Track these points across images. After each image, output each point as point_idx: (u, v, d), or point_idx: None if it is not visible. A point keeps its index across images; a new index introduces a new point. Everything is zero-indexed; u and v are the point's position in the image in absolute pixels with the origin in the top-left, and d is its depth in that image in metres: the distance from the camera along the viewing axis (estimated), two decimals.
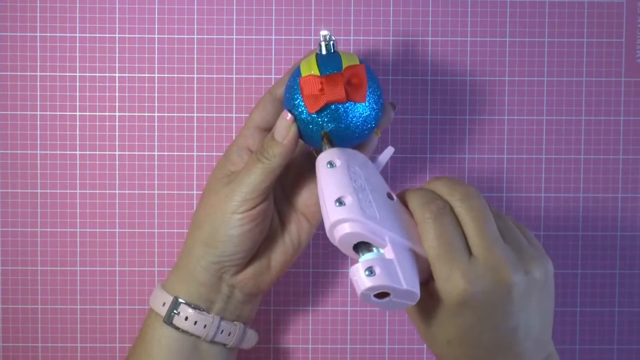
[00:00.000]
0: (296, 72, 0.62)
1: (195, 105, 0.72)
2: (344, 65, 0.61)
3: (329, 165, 0.58)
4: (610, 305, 0.74)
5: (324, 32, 0.62)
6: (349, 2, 0.72)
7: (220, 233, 0.62)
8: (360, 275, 0.53)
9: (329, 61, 0.61)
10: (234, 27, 0.72)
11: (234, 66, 0.72)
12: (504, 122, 0.73)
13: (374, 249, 0.55)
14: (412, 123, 0.73)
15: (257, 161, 0.61)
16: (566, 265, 0.73)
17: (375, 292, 0.53)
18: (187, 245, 0.65)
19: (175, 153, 0.72)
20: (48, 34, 0.72)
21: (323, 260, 0.73)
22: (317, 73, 0.60)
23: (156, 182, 0.73)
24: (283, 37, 0.72)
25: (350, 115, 0.60)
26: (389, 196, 0.58)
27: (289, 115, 0.61)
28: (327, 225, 0.56)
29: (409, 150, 0.73)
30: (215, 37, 0.72)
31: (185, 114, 0.72)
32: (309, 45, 0.72)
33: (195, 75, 0.72)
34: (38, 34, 0.72)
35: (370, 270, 0.53)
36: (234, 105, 0.72)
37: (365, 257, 0.54)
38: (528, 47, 0.72)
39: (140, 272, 0.73)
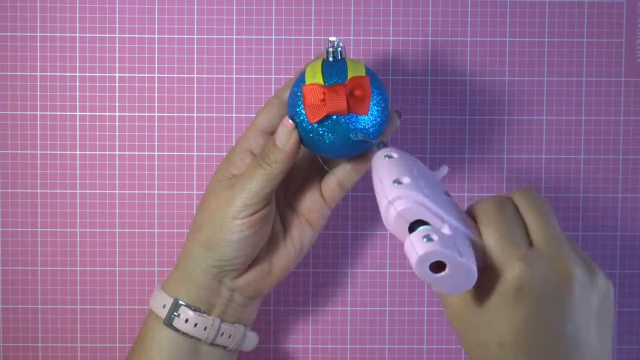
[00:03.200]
0: (300, 78, 0.61)
1: (195, 105, 0.72)
2: (349, 75, 0.60)
3: (387, 157, 0.57)
4: None
5: (332, 39, 0.61)
6: (349, 2, 0.72)
7: (219, 237, 0.62)
8: (418, 242, 0.51)
9: (334, 69, 0.60)
10: (234, 27, 0.72)
11: (234, 66, 0.72)
12: (504, 122, 0.73)
13: (431, 226, 0.53)
14: (412, 123, 0.73)
15: (259, 167, 0.61)
16: None
17: (432, 261, 0.51)
18: (186, 247, 0.64)
19: (175, 153, 0.72)
20: (48, 34, 0.72)
21: (323, 260, 0.73)
22: (321, 81, 0.60)
23: (156, 182, 0.73)
24: (283, 37, 0.72)
25: (352, 127, 0.60)
26: (446, 193, 0.57)
27: (290, 121, 0.60)
28: (382, 209, 0.54)
29: (409, 150, 0.73)
30: (215, 37, 0.72)
31: (185, 114, 0.72)
32: (309, 45, 0.72)
33: (195, 75, 0.72)
34: (38, 34, 0.72)
35: (428, 238, 0.51)
36: (234, 105, 0.72)
37: (424, 227, 0.52)
38: (528, 47, 0.72)
39: (140, 272, 0.73)
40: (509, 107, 0.73)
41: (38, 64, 0.72)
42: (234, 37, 0.72)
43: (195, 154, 0.72)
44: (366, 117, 0.60)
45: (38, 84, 0.72)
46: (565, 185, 0.73)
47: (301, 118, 0.60)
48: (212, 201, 0.63)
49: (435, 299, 0.73)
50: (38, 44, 0.72)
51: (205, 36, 0.72)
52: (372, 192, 0.73)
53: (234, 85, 0.72)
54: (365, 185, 0.73)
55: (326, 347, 0.74)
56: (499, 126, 0.73)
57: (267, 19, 0.72)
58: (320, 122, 0.59)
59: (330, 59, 0.61)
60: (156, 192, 0.73)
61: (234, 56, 0.72)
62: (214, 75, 0.72)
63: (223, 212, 0.61)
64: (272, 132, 0.64)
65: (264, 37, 0.72)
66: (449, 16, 0.72)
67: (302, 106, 0.60)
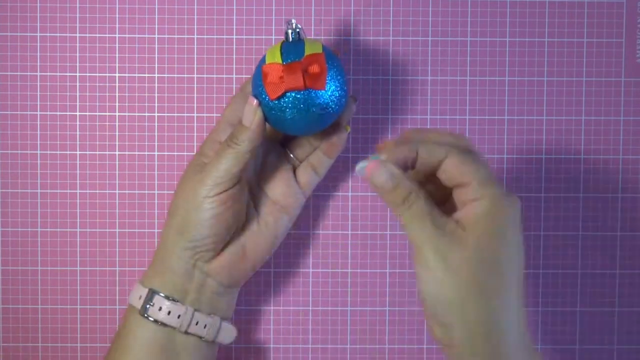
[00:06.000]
0: (262, 60, 0.64)
1: (195, 105, 0.72)
2: (306, 53, 0.63)
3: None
4: (610, 305, 0.74)
5: (291, 21, 0.64)
6: (349, 2, 0.72)
7: (192, 217, 0.63)
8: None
9: (292, 49, 0.63)
10: (234, 27, 0.72)
11: (234, 66, 0.72)
12: (504, 122, 0.73)
13: None
14: (413, 123, 0.73)
15: (227, 147, 0.63)
16: (566, 265, 0.73)
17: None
18: (162, 237, 0.66)
19: (175, 153, 0.72)
20: (48, 34, 0.72)
21: (323, 260, 0.73)
22: (280, 60, 0.62)
23: (156, 182, 0.73)
24: (283, 37, 0.72)
25: (310, 103, 0.62)
26: None
27: (255, 100, 0.63)
28: None
29: None
30: (215, 37, 0.72)
31: (185, 114, 0.72)
32: None
33: (195, 75, 0.72)
34: (38, 34, 0.72)
35: None
36: None
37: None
38: (528, 47, 0.72)
39: (140, 272, 0.73)
40: (509, 107, 0.73)
41: (38, 64, 0.72)
42: (234, 37, 0.72)
43: (195, 154, 0.72)
44: (324, 91, 0.62)
45: (38, 84, 0.72)
46: (565, 185, 0.73)
47: (263, 96, 0.63)
48: (183, 186, 0.65)
49: None
50: (38, 44, 0.72)
51: (205, 36, 0.72)
52: (371, 192, 0.73)
53: (233, 85, 0.72)
54: (365, 185, 0.73)
55: (326, 347, 0.74)
56: (499, 126, 0.73)
57: (267, 19, 0.72)
58: (280, 98, 0.62)
59: (290, 39, 0.64)
60: (156, 192, 0.73)
61: (234, 56, 0.72)
62: (214, 75, 0.72)
63: (195, 193, 0.64)
64: (239, 124, 0.66)
65: (263, 37, 0.72)
66: (449, 16, 0.72)
67: (263, 85, 0.63)
